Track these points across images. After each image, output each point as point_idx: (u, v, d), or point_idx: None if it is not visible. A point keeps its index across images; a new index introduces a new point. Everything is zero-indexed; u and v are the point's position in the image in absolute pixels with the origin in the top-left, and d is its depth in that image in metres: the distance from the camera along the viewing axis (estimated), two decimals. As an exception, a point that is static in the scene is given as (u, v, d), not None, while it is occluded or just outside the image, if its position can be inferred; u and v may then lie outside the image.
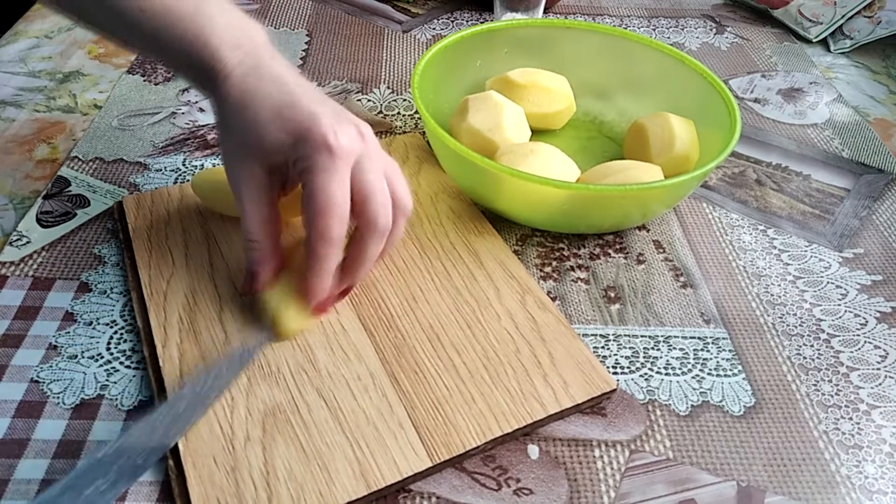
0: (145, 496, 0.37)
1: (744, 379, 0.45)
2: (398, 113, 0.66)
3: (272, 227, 0.43)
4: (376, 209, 0.41)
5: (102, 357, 0.43)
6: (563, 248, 0.53)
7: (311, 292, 0.42)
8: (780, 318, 0.49)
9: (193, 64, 0.42)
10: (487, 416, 0.40)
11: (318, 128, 0.39)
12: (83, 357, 0.43)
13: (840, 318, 0.50)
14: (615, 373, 0.45)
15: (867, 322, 0.49)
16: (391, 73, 0.73)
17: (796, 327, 0.49)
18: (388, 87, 0.70)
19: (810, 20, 0.84)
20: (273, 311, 0.43)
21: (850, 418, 0.43)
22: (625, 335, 0.47)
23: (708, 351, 0.47)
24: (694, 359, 0.46)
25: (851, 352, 0.47)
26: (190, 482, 0.36)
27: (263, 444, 0.38)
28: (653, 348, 0.47)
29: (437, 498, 0.38)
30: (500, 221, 0.54)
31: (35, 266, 0.49)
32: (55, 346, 0.44)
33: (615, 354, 0.46)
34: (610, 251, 0.53)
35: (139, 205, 0.52)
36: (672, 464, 0.40)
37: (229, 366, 0.41)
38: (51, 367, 0.43)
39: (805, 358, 0.47)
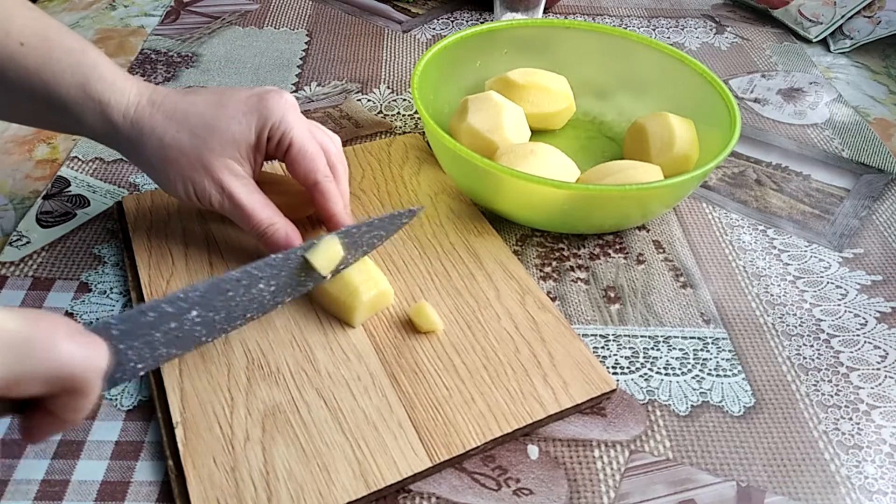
0: (145, 496, 0.37)
1: (743, 379, 0.45)
2: (398, 113, 0.66)
3: (273, 207, 0.45)
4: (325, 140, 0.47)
5: (102, 357, 0.43)
6: (562, 248, 0.53)
7: (343, 220, 0.46)
8: (780, 318, 0.49)
9: (89, 97, 0.42)
10: (487, 416, 0.40)
11: (271, 95, 0.44)
12: (83, 357, 0.43)
13: (840, 318, 0.50)
14: (615, 373, 0.45)
15: (867, 322, 0.49)
16: (391, 73, 0.73)
17: (796, 327, 0.49)
18: (388, 87, 0.70)
19: (810, 20, 0.84)
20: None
21: (850, 418, 0.43)
22: (625, 335, 0.47)
23: (708, 351, 0.47)
24: (694, 359, 0.46)
25: (851, 352, 0.47)
26: (190, 482, 0.36)
27: (263, 444, 0.38)
28: (653, 348, 0.47)
29: (437, 498, 0.38)
30: (499, 221, 0.54)
31: (35, 266, 0.49)
32: (55, 347, 0.44)
33: (615, 354, 0.46)
34: (610, 251, 0.53)
35: (139, 205, 0.52)
36: (672, 464, 0.40)
37: (386, 222, 0.44)
38: (51, 367, 0.43)
39: (805, 358, 0.47)
